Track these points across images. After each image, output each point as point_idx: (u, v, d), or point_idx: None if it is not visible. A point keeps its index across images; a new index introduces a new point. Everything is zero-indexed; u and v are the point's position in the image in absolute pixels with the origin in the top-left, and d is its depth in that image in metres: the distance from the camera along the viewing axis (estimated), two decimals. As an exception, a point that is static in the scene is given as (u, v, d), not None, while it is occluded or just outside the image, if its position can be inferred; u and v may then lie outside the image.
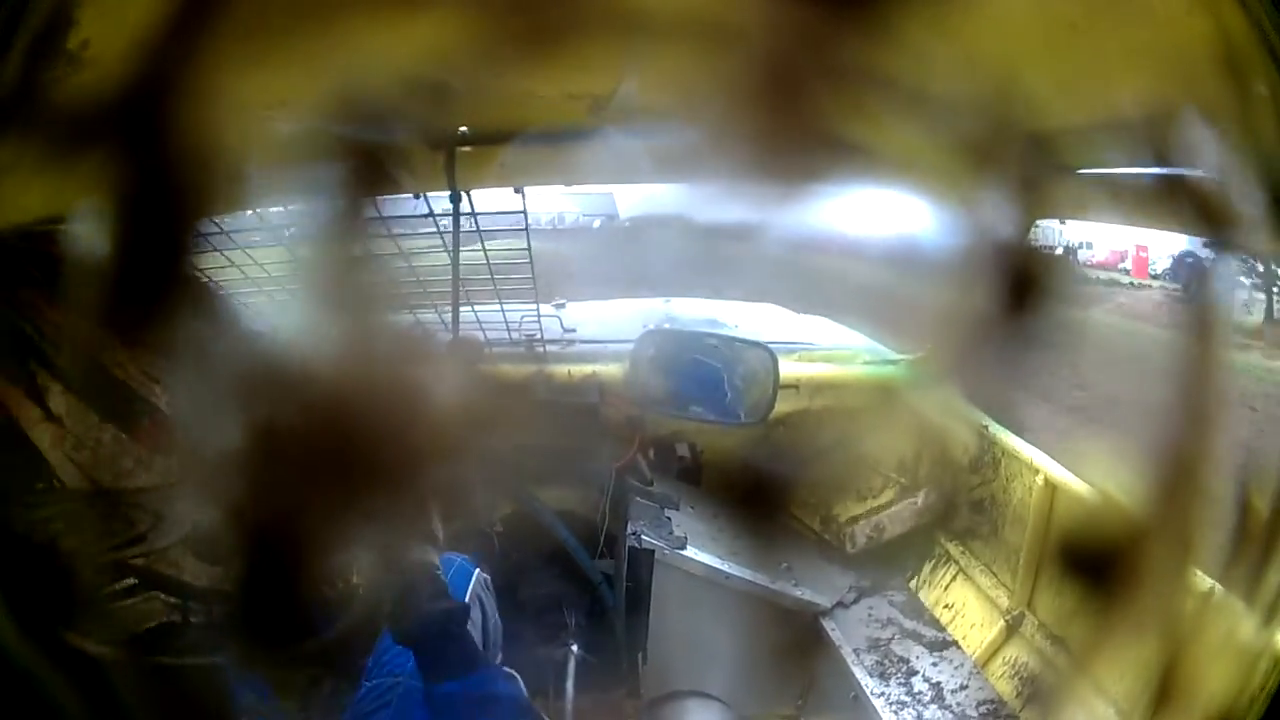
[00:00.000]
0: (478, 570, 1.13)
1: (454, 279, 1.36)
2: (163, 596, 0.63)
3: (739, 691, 1.32)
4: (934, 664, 1.33)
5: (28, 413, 0.51)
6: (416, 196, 1.25)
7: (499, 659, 1.14)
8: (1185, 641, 0.48)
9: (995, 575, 1.41)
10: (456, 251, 1.33)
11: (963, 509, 1.49)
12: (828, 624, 1.40)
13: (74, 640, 0.51)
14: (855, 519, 1.56)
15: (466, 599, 1.06)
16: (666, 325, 1.78)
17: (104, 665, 0.51)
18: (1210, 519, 0.48)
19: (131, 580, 0.62)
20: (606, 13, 0.47)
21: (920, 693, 1.27)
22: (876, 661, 1.33)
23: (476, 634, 1.06)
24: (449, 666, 0.83)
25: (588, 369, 1.54)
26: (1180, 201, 0.50)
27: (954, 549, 1.52)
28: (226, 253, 1.23)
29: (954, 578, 1.50)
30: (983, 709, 1.24)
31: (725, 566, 1.35)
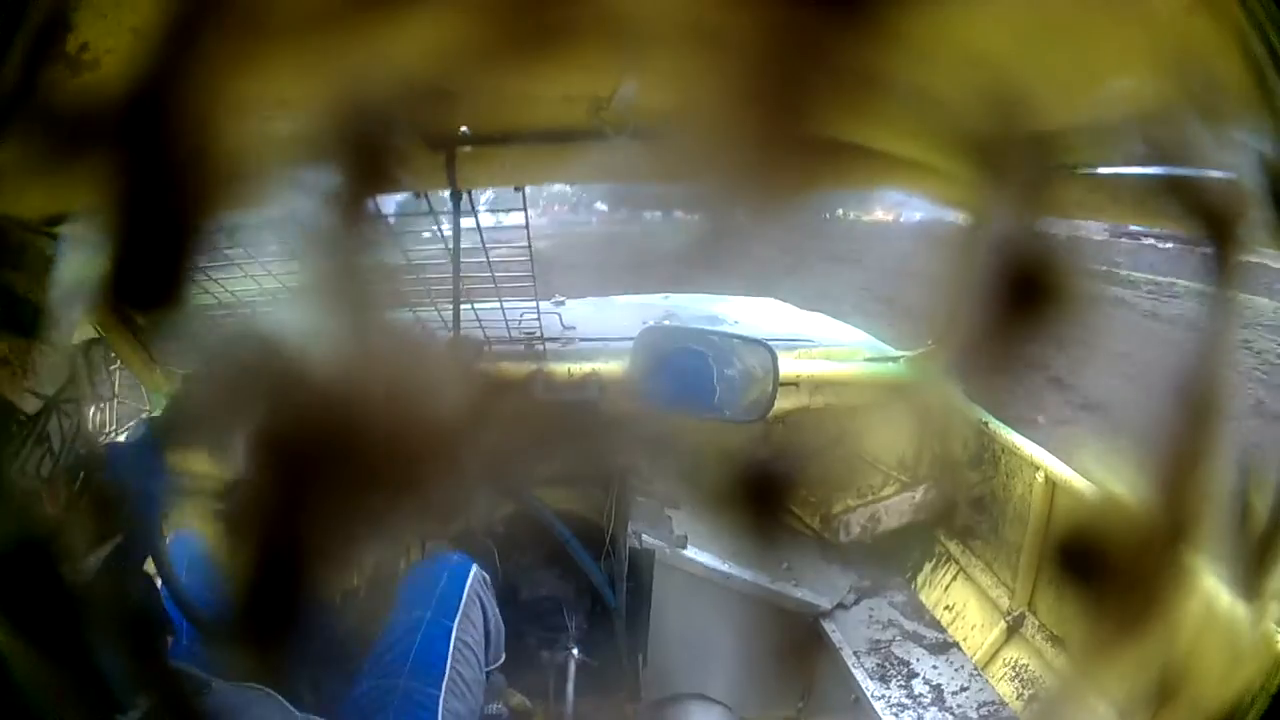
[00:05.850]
0: (475, 567, 1.11)
1: (455, 277, 1.36)
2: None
3: (739, 694, 1.32)
4: (934, 666, 1.33)
5: None
6: (418, 196, 1.25)
7: (501, 659, 1.13)
8: (1185, 641, 0.48)
9: (996, 575, 1.40)
10: (457, 250, 1.33)
11: (963, 507, 1.48)
12: (828, 625, 1.40)
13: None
14: (850, 509, 1.55)
15: (463, 599, 1.05)
16: (667, 322, 1.77)
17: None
18: (1211, 517, 0.48)
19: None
20: (606, 15, 0.47)
21: (921, 695, 1.26)
22: (877, 664, 1.33)
23: (477, 633, 1.06)
24: None
25: (588, 367, 1.54)
26: (1181, 200, 0.50)
27: (954, 548, 1.51)
28: (227, 252, 1.23)
29: (954, 578, 1.49)
30: (983, 710, 1.24)
31: (726, 567, 1.35)
